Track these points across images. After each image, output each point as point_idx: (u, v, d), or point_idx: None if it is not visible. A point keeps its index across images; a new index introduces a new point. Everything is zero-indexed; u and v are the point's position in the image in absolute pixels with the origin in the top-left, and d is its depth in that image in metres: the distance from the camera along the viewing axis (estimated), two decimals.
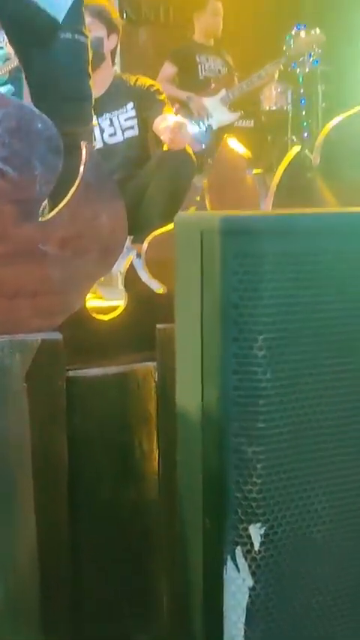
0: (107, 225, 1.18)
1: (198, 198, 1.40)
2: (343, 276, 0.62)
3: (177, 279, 0.71)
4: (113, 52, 2.53)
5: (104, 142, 2.52)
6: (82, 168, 1.16)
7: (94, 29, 2.37)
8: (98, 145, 2.50)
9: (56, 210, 1.17)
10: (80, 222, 1.16)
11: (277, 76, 4.21)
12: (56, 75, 1.62)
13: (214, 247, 0.61)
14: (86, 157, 1.16)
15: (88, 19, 2.36)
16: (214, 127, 3.83)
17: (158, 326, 1.15)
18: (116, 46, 2.53)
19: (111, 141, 2.53)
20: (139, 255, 1.30)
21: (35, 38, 1.61)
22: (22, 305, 1.15)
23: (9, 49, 3.56)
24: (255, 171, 1.62)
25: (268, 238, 0.60)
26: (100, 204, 1.18)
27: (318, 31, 3.91)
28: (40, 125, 1.13)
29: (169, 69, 3.84)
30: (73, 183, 1.16)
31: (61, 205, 1.17)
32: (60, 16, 1.53)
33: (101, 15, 2.39)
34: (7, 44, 3.52)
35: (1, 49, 3.51)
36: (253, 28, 4.77)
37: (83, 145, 1.16)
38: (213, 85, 3.86)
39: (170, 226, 1.30)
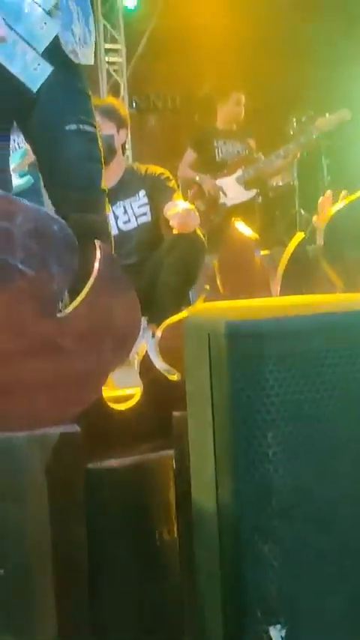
0: (122, 317, 1.23)
1: (207, 287, 1.44)
2: (348, 376, 0.65)
3: (187, 378, 0.74)
4: (124, 145, 2.68)
5: (119, 229, 2.63)
6: (97, 265, 1.22)
7: (105, 127, 2.53)
8: (113, 231, 2.61)
9: (73, 305, 1.22)
10: (96, 316, 1.21)
11: (299, 155, 4.36)
12: (65, 165, 1.68)
13: (221, 349, 0.65)
14: (101, 254, 1.22)
15: (98, 118, 2.52)
16: (228, 205, 3.96)
17: (174, 413, 1.17)
18: (126, 138, 2.69)
19: (125, 227, 2.64)
20: (154, 335, 1.34)
21: (18, 114, 1.69)
22: (40, 399, 1.19)
23: (27, 146, 3.78)
24: (263, 252, 1.69)
25: (272, 341, 0.64)
26: (114, 297, 1.23)
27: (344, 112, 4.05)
28: (55, 227, 1.20)
29: (190, 155, 4.04)
30: (86, 270, 1.21)
31: (77, 301, 1.22)
32: (35, 87, 1.57)
33: (111, 113, 2.56)
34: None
35: (21, 148, 3.73)
36: (273, 112, 5.03)
37: (98, 243, 1.22)
38: (229, 166, 4.03)
39: (183, 313, 1.35)
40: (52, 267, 1.20)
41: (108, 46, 6.26)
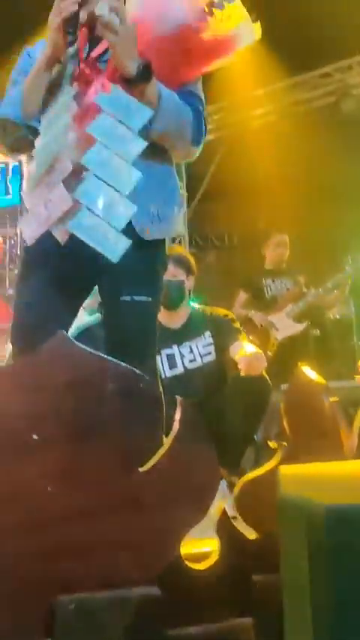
0: (201, 472, 1.25)
1: (285, 444, 1.45)
2: None
3: (282, 563, 0.74)
4: (191, 289, 2.83)
5: (185, 367, 2.71)
6: (176, 424, 1.26)
7: (176, 274, 2.70)
8: (179, 370, 2.70)
9: (153, 461, 1.25)
10: (176, 472, 1.24)
11: (347, 289, 4.45)
12: (119, 335, 1.72)
13: (321, 541, 0.65)
14: (181, 412, 1.27)
15: (170, 266, 2.70)
16: (279, 339, 4.03)
17: (254, 577, 1.15)
18: (193, 284, 2.85)
19: (191, 366, 2.71)
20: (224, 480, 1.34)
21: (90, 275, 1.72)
22: (120, 557, 1.19)
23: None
24: (332, 399, 1.70)
25: None
26: (194, 453, 1.26)
27: None
28: (141, 385, 1.27)
29: (241, 295, 4.20)
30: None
31: (157, 456, 1.26)
32: (115, 258, 1.52)
33: (181, 261, 2.74)
34: None
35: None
36: (327, 251, 5.23)
37: (179, 400, 1.28)
38: (279, 302, 4.15)
39: (260, 470, 1.36)
40: (136, 423, 1.25)
41: None
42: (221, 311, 2.84)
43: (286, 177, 6.09)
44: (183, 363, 2.71)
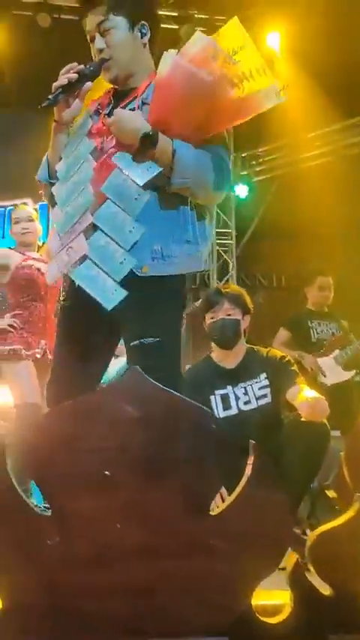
0: (274, 521, 1.20)
1: None
2: None
3: None
4: (246, 329, 2.79)
5: (239, 409, 2.65)
6: (248, 468, 1.22)
7: (232, 312, 2.67)
8: (233, 411, 2.63)
9: (224, 505, 1.21)
10: (248, 517, 1.19)
11: None
12: None
13: None
14: (254, 457, 1.22)
15: (227, 305, 2.68)
16: (329, 384, 3.94)
17: (331, 637, 1.09)
18: (249, 323, 2.80)
19: (245, 408, 2.65)
20: None
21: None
22: (188, 604, 1.15)
23: None
24: None
25: None
26: (266, 498, 1.21)
27: None
28: (214, 425, 1.23)
29: (283, 334, 4.14)
30: None
31: (229, 500, 1.21)
32: (109, 306, 1.66)
33: (238, 301, 2.71)
34: None
35: None
36: None
37: (252, 444, 1.24)
38: (326, 346, 4.07)
39: (336, 522, 1.30)
40: (207, 464, 1.22)
41: (219, 230, 6.79)
42: (278, 352, 2.79)
43: (336, 220, 6.06)
44: (237, 405, 2.66)
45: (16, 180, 5.45)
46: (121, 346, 4.25)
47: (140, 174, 1.67)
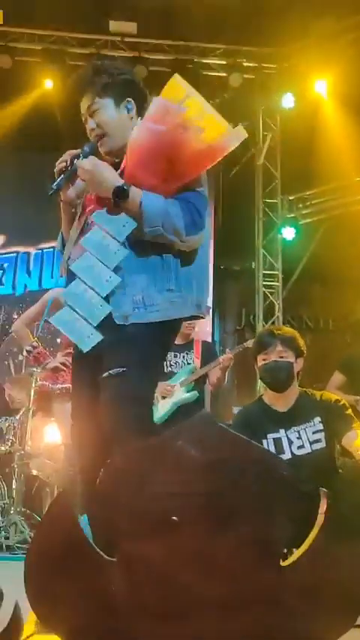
0: (349, 573, 1.15)
1: None
2: None
3: None
4: (299, 372, 2.74)
5: (292, 454, 2.58)
6: (320, 517, 1.18)
7: (284, 355, 2.64)
8: (286, 456, 2.57)
9: (294, 557, 1.17)
10: (321, 570, 1.14)
11: None
12: (107, 411, 1.83)
13: None
14: (327, 505, 1.18)
15: (279, 347, 2.65)
16: None
17: None
18: (302, 366, 2.76)
19: (299, 452, 2.59)
20: None
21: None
22: None
23: (196, 363, 4.01)
24: None
25: None
26: (340, 549, 1.16)
27: None
28: (285, 473, 1.20)
29: (338, 377, 4.06)
30: None
31: (299, 551, 1.17)
32: (85, 348, 1.81)
33: (291, 343, 2.68)
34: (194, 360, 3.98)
35: (189, 364, 3.97)
36: None
37: (322, 492, 1.20)
38: None
39: None
40: (277, 513, 1.18)
41: (266, 271, 6.79)
42: (332, 396, 2.73)
43: None
44: (291, 449, 2.59)
45: None
46: (169, 387, 4.20)
47: (119, 231, 1.84)
